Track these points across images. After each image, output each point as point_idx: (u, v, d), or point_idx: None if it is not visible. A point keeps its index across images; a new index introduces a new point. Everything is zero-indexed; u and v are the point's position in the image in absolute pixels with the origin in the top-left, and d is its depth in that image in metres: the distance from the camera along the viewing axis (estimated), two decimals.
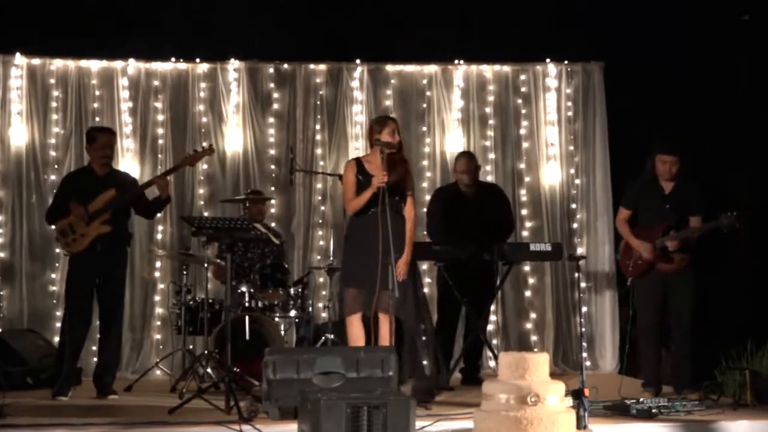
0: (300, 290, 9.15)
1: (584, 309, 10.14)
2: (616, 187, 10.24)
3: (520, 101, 10.63)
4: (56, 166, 10.16)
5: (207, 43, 10.17)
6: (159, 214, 9.01)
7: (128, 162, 10.12)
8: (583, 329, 8.36)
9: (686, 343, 8.15)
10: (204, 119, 10.37)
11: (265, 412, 6.63)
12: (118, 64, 10.31)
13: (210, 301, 8.82)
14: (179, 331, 8.95)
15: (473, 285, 8.97)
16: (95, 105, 10.25)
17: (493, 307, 9.75)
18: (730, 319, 9.05)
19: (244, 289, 8.89)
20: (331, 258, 9.41)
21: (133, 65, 10.33)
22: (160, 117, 10.35)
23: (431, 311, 9.25)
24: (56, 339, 9.41)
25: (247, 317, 8.56)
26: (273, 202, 10.20)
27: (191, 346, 9.21)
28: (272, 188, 10.35)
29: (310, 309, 9.37)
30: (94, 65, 10.30)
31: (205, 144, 9.87)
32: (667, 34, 9.51)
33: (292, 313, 9.07)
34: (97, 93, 10.27)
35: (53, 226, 8.55)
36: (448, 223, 9.09)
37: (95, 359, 8.67)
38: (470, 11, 10.06)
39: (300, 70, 10.49)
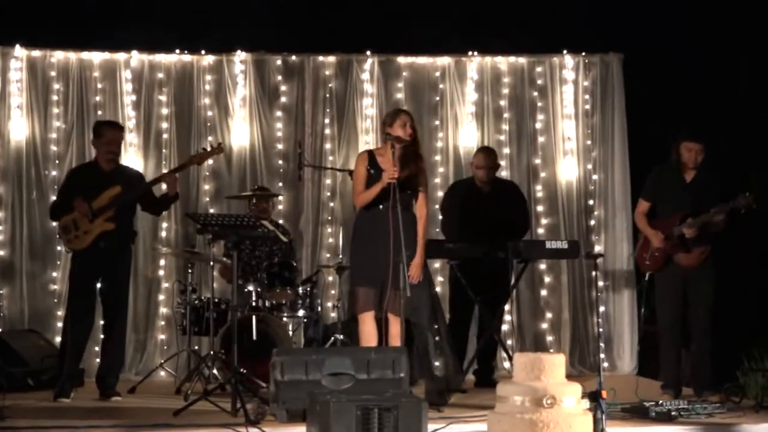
0: (309, 289, 9.08)
1: (602, 308, 10.08)
2: (634, 182, 10.12)
3: (535, 94, 10.54)
4: (57, 162, 10.10)
5: (212, 34, 10.08)
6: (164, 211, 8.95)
7: (132, 156, 10.06)
8: (601, 329, 8.27)
9: (706, 343, 8.05)
10: (209, 113, 10.30)
11: (272, 415, 6.59)
12: (120, 56, 10.23)
13: (216, 300, 8.74)
14: (184, 332, 8.92)
15: (487, 283, 8.87)
16: (97, 98, 10.19)
17: (507, 307, 9.67)
18: (752, 317, 8.89)
19: (251, 288, 8.83)
20: (341, 256, 9.36)
21: (137, 57, 10.26)
22: (164, 111, 10.28)
23: (443, 310, 9.18)
24: (57, 339, 9.46)
25: (254, 317, 8.52)
26: (281, 198, 10.13)
27: (196, 347, 9.18)
28: (280, 184, 10.28)
29: (319, 308, 9.32)
30: (96, 57, 10.22)
31: (211, 139, 9.84)
32: (689, 24, 9.38)
33: (301, 312, 9.01)
34: (100, 86, 10.20)
35: (55, 223, 8.48)
36: (462, 220, 9.02)
37: (98, 360, 8.61)
38: (484, 1, 9.97)
39: (308, 62, 10.40)
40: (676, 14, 9.40)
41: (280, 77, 10.36)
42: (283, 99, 10.36)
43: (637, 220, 8.37)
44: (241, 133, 10.26)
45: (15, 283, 9.92)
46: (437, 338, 7.53)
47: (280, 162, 10.32)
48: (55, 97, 10.12)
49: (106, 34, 9.88)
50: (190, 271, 9.04)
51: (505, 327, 9.92)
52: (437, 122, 10.43)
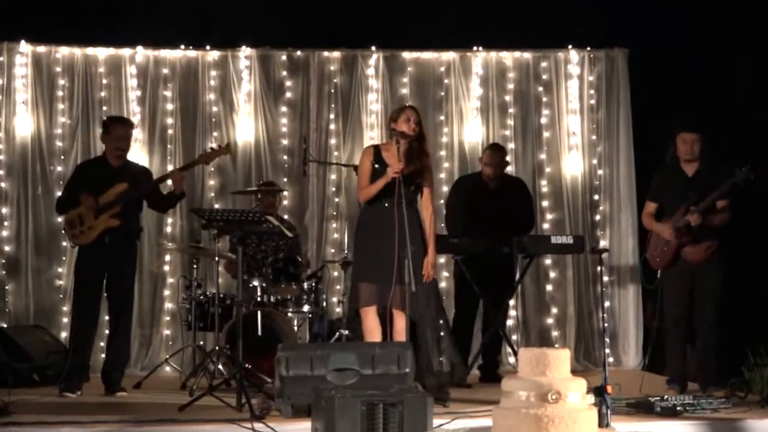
0: (314, 284, 9.06)
1: (607, 303, 10.07)
2: (640, 178, 10.13)
3: (541, 89, 10.52)
4: (62, 157, 10.10)
5: (217, 29, 10.11)
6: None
7: (137, 152, 10.00)
8: (606, 324, 8.24)
9: (712, 338, 8.01)
10: (214, 108, 10.29)
11: (277, 410, 6.57)
12: (125, 52, 10.23)
13: (221, 295, 8.75)
14: (189, 327, 8.88)
15: (492, 279, 8.87)
16: (102, 94, 10.18)
17: (512, 302, 9.65)
18: (758, 313, 8.87)
19: (256, 283, 8.80)
20: (346, 251, 9.35)
21: (142, 53, 10.24)
22: (170, 106, 10.27)
23: (448, 305, 9.16)
24: (63, 335, 9.50)
25: (259, 312, 8.50)
26: (285, 193, 10.10)
27: (202, 342, 9.17)
28: (285, 179, 10.26)
29: (324, 304, 9.29)
30: (101, 53, 10.21)
31: (216, 134, 9.79)
32: (694, 20, 9.35)
33: (306, 308, 8.99)
34: (105, 81, 10.19)
35: (61, 218, 8.50)
36: (468, 215, 8.98)
37: (103, 355, 8.58)
38: None
39: (313, 57, 10.38)
40: (681, 10, 9.35)
41: (285, 73, 10.35)
42: (288, 94, 10.34)
43: (645, 222, 8.33)
44: (246, 128, 10.24)
45: (20, 278, 9.91)
46: (442, 333, 7.52)
47: (285, 157, 10.30)
48: (60, 93, 10.11)
49: (111, 29, 9.88)
50: (195, 266, 9.03)
51: (510, 322, 9.86)
52: (442, 117, 10.41)
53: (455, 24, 10.07)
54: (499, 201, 8.97)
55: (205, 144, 10.09)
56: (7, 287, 9.87)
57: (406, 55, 10.43)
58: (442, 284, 10.02)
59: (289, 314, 8.85)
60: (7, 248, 9.94)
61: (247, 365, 7.54)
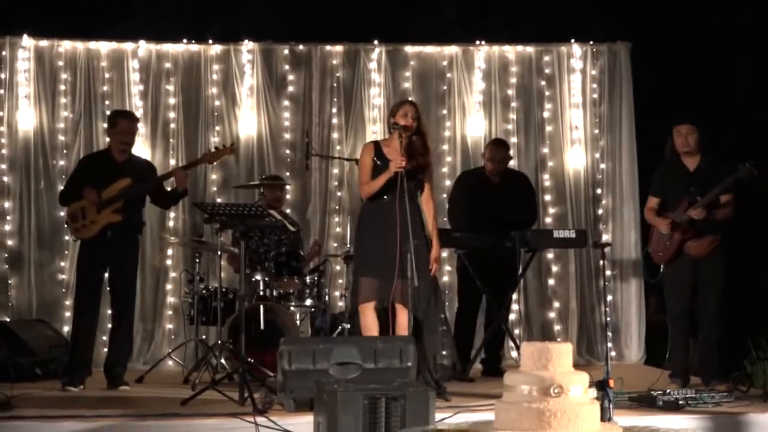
0: (316, 279, 9.04)
1: (609, 298, 10.02)
2: (642, 172, 10.10)
3: (543, 83, 10.49)
4: (65, 151, 10.07)
5: (219, 23, 10.05)
6: None
7: (139, 146, 9.89)
8: (608, 318, 8.22)
9: (714, 332, 8.00)
10: (217, 102, 10.26)
11: (280, 404, 6.58)
12: (128, 46, 10.20)
13: (223, 289, 8.72)
14: (192, 321, 8.87)
15: (495, 273, 8.86)
16: (105, 88, 10.15)
17: (515, 296, 9.64)
18: (760, 306, 8.85)
19: (258, 277, 8.77)
20: (348, 245, 9.30)
21: (144, 47, 10.22)
22: (172, 100, 10.24)
23: (451, 300, 9.14)
24: (65, 329, 9.47)
25: (261, 306, 8.47)
26: (288, 187, 10.05)
27: (204, 337, 9.12)
28: (287, 173, 10.23)
29: (327, 298, 9.25)
30: (104, 47, 10.18)
31: (219, 129, 9.79)
32: (697, 13, 9.31)
33: (308, 302, 8.96)
34: (107, 76, 10.16)
35: (63, 212, 8.54)
36: (471, 209, 8.96)
37: (105, 350, 8.56)
38: None
39: (316, 51, 10.35)
40: (684, 3, 9.32)
41: (287, 67, 10.31)
42: (291, 88, 10.31)
43: (647, 216, 8.31)
44: (248, 122, 10.22)
45: (23, 272, 9.89)
46: (444, 328, 7.53)
47: (288, 151, 10.27)
48: (62, 87, 10.08)
49: (114, 23, 9.84)
50: (197, 260, 9.01)
51: (512, 316, 9.86)
52: (444, 111, 10.38)
53: (458, 18, 10.03)
54: (502, 195, 8.95)
55: (207, 138, 10.09)
56: (9, 281, 9.85)
57: (409, 49, 10.40)
58: (445, 278, 10.02)
59: (292, 308, 8.83)
60: (9, 242, 9.91)
61: (249, 359, 7.52)
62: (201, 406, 6.73)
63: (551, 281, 10.32)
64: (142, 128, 10.00)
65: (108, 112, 9.18)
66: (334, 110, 10.31)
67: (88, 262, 8.12)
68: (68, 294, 9.66)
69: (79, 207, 8.05)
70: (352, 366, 6.44)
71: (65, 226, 8.69)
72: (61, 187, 8.79)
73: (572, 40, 10.45)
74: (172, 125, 10.19)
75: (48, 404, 6.98)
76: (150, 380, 8.50)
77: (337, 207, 10.24)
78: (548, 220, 10.31)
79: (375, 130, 10.19)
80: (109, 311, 8.35)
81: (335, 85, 10.32)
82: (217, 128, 10.13)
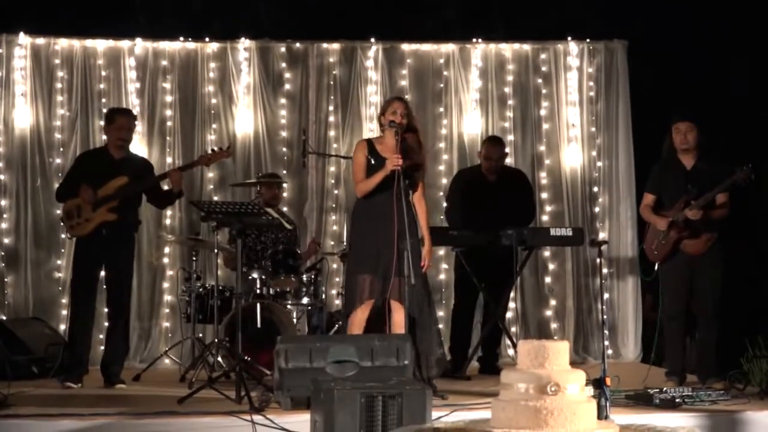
0: (313, 277, 9.03)
1: (606, 296, 10.01)
2: (639, 170, 10.08)
3: (540, 81, 10.48)
4: (61, 149, 10.05)
5: (216, 21, 10.04)
6: None
7: (135, 144, 9.83)
8: (605, 317, 8.22)
9: (711, 330, 8.01)
10: (213, 100, 10.25)
11: (276, 402, 6.59)
12: (124, 44, 10.18)
13: (220, 288, 8.71)
14: (188, 319, 8.86)
15: (491, 271, 8.86)
16: (101, 86, 10.14)
17: (512, 294, 9.57)
18: (756, 305, 8.90)
19: (255, 275, 8.76)
20: (345, 243, 9.27)
21: (141, 45, 10.20)
22: (169, 98, 10.23)
23: (448, 297, 9.13)
24: (62, 327, 9.45)
25: (258, 305, 8.45)
26: (284, 185, 10.02)
27: (201, 335, 9.14)
28: (284, 171, 10.21)
29: (323, 296, 9.25)
30: (100, 45, 10.17)
31: (215, 127, 9.77)
32: (694, 12, 9.30)
33: (305, 300, 8.96)
34: (104, 73, 10.15)
35: (59, 210, 8.50)
36: (468, 208, 8.96)
37: (102, 348, 8.58)
38: None
39: (312, 49, 10.34)
40: (681, 1, 9.31)
41: (284, 64, 10.30)
42: (288, 86, 10.30)
43: (643, 213, 8.31)
44: (245, 120, 10.20)
45: (19, 271, 9.87)
46: (437, 327, 7.53)
47: (284, 149, 10.26)
48: (59, 85, 10.07)
49: (111, 21, 9.82)
50: (194, 258, 9.00)
51: (509, 314, 9.80)
52: (441, 109, 10.37)
53: (455, 16, 10.02)
54: (498, 193, 8.94)
55: (204, 136, 10.08)
56: (6, 279, 9.83)
57: (406, 46, 10.39)
58: (442, 276, 10.03)
59: (288, 306, 8.81)
60: (6, 240, 9.90)
61: (246, 357, 7.53)
62: (198, 404, 6.73)
63: (548, 279, 10.31)
64: (138, 126, 9.94)
65: (105, 110, 9.16)
66: (331, 108, 10.30)
67: (84, 259, 8.11)
68: (65, 292, 9.63)
69: (74, 204, 8.04)
70: (349, 364, 6.44)
71: (61, 223, 8.68)
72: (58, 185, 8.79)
73: (569, 38, 10.43)
74: (169, 123, 10.17)
75: (45, 403, 6.97)
76: (147, 378, 8.48)
77: (333, 205, 10.23)
78: (545, 218, 10.30)
79: (371, 128, 10.13)
80: (106, 310, 8.32)
81: (332, 82, 10.31)
82: (214, 126, 10.12)
